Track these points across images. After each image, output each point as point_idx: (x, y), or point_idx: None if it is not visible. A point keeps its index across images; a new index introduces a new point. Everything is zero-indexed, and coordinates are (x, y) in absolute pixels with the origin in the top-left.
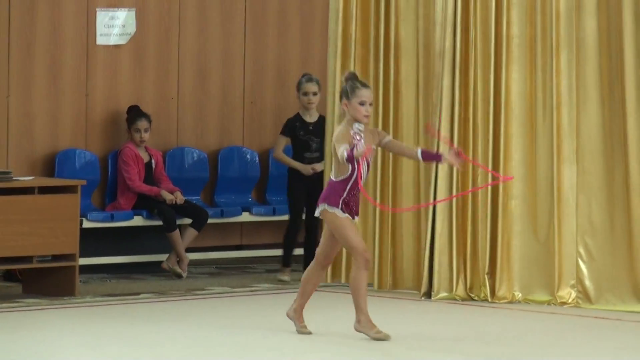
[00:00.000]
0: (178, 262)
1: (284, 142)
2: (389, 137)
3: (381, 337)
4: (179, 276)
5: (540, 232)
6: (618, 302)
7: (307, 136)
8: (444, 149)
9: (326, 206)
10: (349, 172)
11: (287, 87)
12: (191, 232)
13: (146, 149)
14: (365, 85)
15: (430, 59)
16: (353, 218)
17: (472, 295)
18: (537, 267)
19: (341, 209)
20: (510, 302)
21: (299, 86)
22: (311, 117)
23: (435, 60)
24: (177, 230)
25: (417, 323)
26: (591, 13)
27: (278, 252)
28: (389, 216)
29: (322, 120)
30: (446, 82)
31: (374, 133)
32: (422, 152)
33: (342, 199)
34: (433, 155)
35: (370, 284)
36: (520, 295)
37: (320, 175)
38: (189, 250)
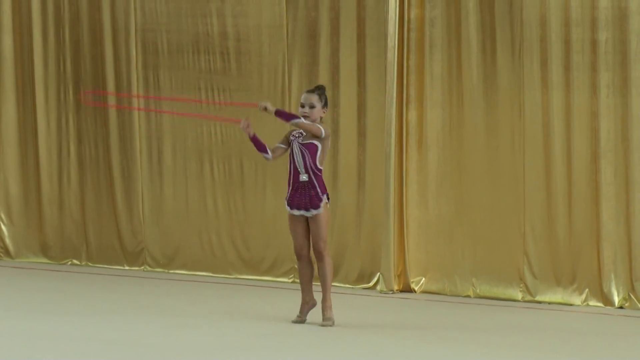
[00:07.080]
0: None
1: None
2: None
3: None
4: None
5: None
6: (31, 255)
7: None
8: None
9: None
10: (288, 168)
11: None
12: None
13: None
14: (307, 91)
15: None
16: (300, 210)
17: None
18: None
19: (288, 204)
20: None
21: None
22: None
23: None
24: None
25: None
26: (8, 32)
27: None
28: None
29: None
30: None
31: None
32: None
33: (288, 194)
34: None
35: None
36: None
37: None
38: None
